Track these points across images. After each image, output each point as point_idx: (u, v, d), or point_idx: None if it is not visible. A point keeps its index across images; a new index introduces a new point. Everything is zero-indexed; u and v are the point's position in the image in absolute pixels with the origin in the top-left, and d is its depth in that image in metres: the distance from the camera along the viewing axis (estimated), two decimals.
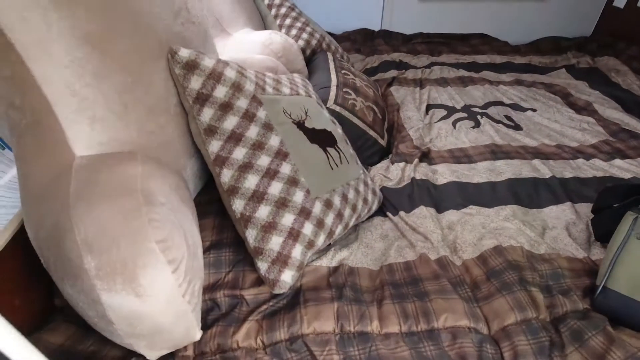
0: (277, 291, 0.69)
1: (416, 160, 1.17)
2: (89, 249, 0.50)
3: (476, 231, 0.92)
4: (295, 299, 0.73)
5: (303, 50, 1.46)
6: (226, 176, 0.70)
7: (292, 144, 0.78)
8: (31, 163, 0.59)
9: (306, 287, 0.76)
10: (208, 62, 0.71)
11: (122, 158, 0.63)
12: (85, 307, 0.53)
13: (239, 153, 0.71)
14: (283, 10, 1.51)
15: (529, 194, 1.06)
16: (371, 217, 0.98)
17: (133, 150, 0.66)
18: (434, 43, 2.25)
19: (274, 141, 0.75)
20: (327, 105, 1.15)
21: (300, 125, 0.83)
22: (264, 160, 0.72)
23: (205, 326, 0.68)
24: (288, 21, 1.49)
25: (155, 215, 0.56)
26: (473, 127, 1.42)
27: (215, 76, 0.71)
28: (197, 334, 0.63)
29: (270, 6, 1.54)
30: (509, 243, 0.87)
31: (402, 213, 0.98)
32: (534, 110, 1.55)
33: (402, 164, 1.16)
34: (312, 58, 1.48)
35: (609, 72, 1.84)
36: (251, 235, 0.69)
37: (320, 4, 2.25)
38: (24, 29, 0.52)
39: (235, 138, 0.71)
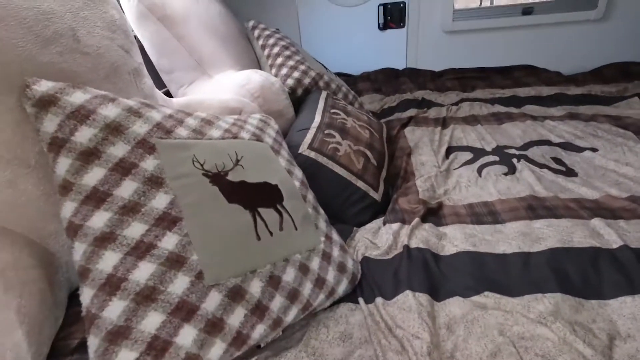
0: None
1: (417, 219, 0.87)
2: None
3: (488, 338, 0.58)
4: None
5: (294, 90, 1.28)
6: (78, 252, 0.49)
7: (191, 204, 0.55)
8: None
9: None
10: (75, 98, 0.54)
11: None
12: None
13: (99, 219, 0.50)
14: (276, 49, 1.38)
15: (584, 274, 0.70)
16: (337, 303, 0.70)
17: None
18: (467, 78, 1.97)
19: (159, 202, 0.53)
20: (299, 151, 0.92)
21: (216, 177, 0.61)
22: (134, 230, 0.50)
23: None
24: (279, 60, 1.34)
25: None
26: (506, 174, 1.09)
27: (79, 115, 0.53)
28: None
29: (264, 46, 1.42)
30: None
31: (379, 300, 0.68)
32: (594, 149, 1.18)
33: (396, 225, 0.87)
34: (304, 99, 1.29)
35: None
36: (93, 346, 0.45)
37: (337, 47, 2.11)
38: None
39: (96, 198, 0.51)
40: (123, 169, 0.53)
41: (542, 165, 1.13)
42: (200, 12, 1.26)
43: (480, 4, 2.01)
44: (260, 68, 1.46)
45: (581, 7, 1.88)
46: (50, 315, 0.54)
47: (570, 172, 1.09)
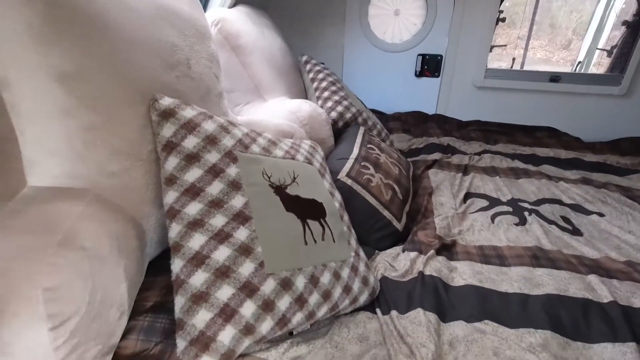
0: None
1: (432, 251, 1.00)
2: None
3: (485, 357, 0.70)
4: None
5: (335, 122, 1.45)
6: (174, 231, 0.64)
7: (259, 207, 0.70)
8: None
9: None
10: (187, 113, 0.70)
11: (68, 194, 0.61)
12: None
13: (193, 208, 0.65)
14: (324, 84, 1.55)
15: (574, 320, 0.81)
16: (357, 310, 0.82)
17: (88, 187, 0.64)
18: (490, 131, 2.11)
19: (237, 202, 0.68)
20: (338, 177, 1.07)
21: (279, 189, 0.76)
22: (218, 220, 0.65)
23: None
24: (326, 94, 1.51)
25: (60, 260, 0.51)
26: (516, 224, 1.21)
27: (189, 126, 0.69)
28: None
29: (313, 80, 1.60)
30: None
31: (394, 313, 0.80)
32: (601, 214, 1.28)
33: (413, 254, 0.99)
34: (344, 130, 1.45)
35: None
36: (179, 304, 0.59)
37: (374, 86, 2.30)
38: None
39: (193, 192, 0.66)
40: (214, 172, 0.68)
41: (551, 222, 1.24)
42: (264, 46, 1.45)
43: (512, 67, 2.17)
44: (307, 97, 1.63)
45: (606, 82, 2.03)
46: (138, 279, 0.68)
47: (576, 232, 1.20)
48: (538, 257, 1.02)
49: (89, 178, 0.64)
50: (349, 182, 1.07)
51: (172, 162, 0.67)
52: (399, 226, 1.11)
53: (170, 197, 0.65)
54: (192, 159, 0.67)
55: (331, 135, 1.34)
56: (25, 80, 0.57)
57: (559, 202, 1.37)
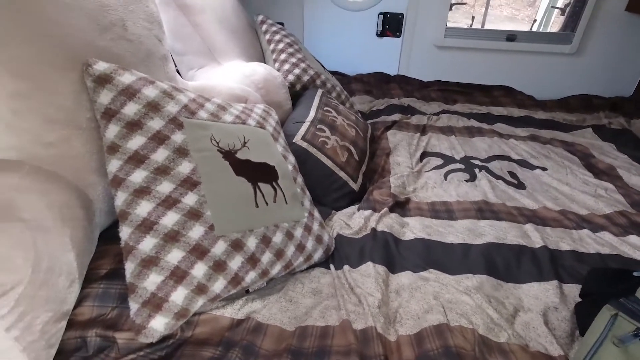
0: (142, 339, 0.58)
1: (385, 209, 1.05)
2: None
3: (425, 301, 0.76)
4: (173, 352, 0.62)
5: (293, 85, 1.43)
6: (120, 199, 0.63)
7: (207, 173, 0.70)
8: None
9: (195, 339, 0.65)
10: (125, 78, 0.67)
11: (1, 166, 0.59)
12: None
13: (138, 176, 0.64)
14: (281, 45, 1.51)
15: (507, 264, 0.89)
16: (313, 267, 0.86)
17: (23, 159, 0.62)
18: (450, 91, 2.15)
19: (184, 168, 0.68)
20: (294, 140, 1.08)
21: (228, 154, 0.76)
22: (165, 187, 0.65)
23: None
24: (283, 56, 1.48)
25: None
26: (467, 181, 1.28)
27: (128, 93, 0.67)
28: None
29: (269, 41, 1.55)
30: (458, 322, 0.71)
31: (346, 267, 0.85)
32: (543, 169, 1.38)
33: (368, 212, 1.04)
34: (302, 93, 1.44)
35: None
36: (129, 269, 0.61)
37: (336, 47, 2.26)
38: None
39: (137, 159, 0.65)
40: (159, 139, 0.67)
41: (498, 177, 1.32)
42: (215, 4, 1.38)
43: (471, 25, 2.18)
44: (264, 60, 1.59)
45: (558, 40, 2.09)
46: (88, 248, 0.68)
47: (520, 185, 1.28)
48: (483, 210, 1.10)
49: (24, 149, 0.62)
50: (305, 144, 1.08)
51: (112, 130, 0.65)
52: (355, 186, 1.15)
53: (114, 165, 0.64)
54: (133, 126, 0.66)
55: (288, 99, 1.33)
56: None
57: (508, 158, 1.45)
